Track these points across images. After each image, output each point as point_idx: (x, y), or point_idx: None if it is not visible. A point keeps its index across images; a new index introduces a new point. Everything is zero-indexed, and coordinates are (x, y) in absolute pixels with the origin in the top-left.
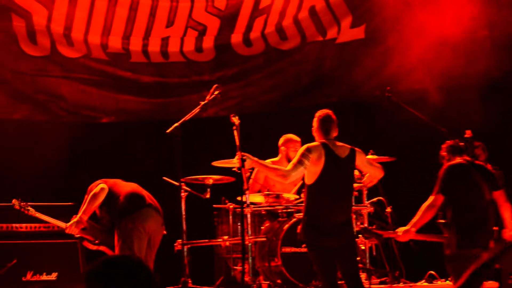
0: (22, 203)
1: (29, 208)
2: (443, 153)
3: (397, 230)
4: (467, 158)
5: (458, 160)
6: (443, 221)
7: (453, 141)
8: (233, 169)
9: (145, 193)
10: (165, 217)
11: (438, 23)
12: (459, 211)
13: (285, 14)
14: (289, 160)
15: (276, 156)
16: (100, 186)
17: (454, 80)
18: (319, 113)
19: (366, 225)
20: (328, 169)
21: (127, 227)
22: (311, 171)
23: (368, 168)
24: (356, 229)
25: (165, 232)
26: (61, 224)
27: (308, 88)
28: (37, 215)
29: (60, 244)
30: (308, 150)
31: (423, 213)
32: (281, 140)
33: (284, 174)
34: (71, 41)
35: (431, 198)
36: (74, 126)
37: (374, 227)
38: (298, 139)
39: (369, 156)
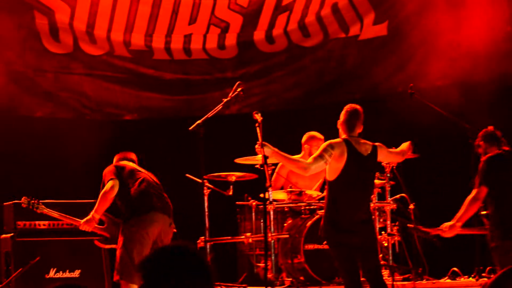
0: (32, 201)
1: (39, 205)
2: (479, 142)
3: (442, 226)
4: (505, 148)
5: (496, 150)
6: (485, 212)
7: (489, 130)
8: (256, 166)
9: (153, 189)
10: (187, 214)
11: (460, 20)
12: (502, 202)
13: (307, 11)
14: None
15: (299, 153)
16: (110, 184)
17: (476, 77)
18: (348, 107)
19: (413, 224)
20: (350, 166)
21: (131, 229)
22: (332, 167)
23: (390, 157)
24: (379, 226)
25: (175, 230)
26: (75, 221)
27: (330, 85)
28: (47, 212)
29: (83, 241)
30: (331, 146)
31: (467, 207)
32: (304, 138)
33: (305, 167)
34: (93, 38)
35: (474, 192)
36: (97, 124)
37: (419, 226)
38: (321, 136)
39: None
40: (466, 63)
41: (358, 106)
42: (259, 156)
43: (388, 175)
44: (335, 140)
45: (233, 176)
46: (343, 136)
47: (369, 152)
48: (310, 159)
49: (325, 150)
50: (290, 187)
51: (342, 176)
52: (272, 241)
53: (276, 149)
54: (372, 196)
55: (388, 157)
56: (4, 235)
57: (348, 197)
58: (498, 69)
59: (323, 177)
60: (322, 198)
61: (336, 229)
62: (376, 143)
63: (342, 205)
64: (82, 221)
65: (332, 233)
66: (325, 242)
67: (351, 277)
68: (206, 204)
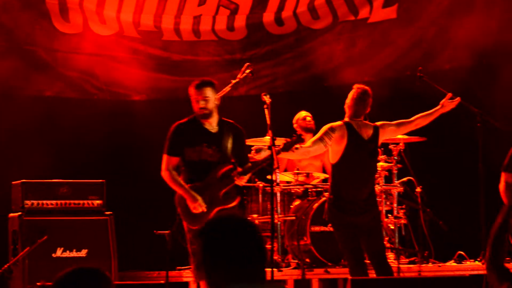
0: None
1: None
2: None
3: None
4: None
5: None
6: None
7: None
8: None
9: None
10: None
11: (468, 4)
12: None
13: None
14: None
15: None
16: None
17: (486, 60)
18: (356, 87)
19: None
20: (351, 148)
21: None
22: (334, 150)
23: (401, 130)
24: (386, 208)
25: None
26: None
27: (339, 68)
28: None
29: (90, 221)
30: (331, 129)
31: (508, 196)
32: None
33: (304, 152)
34: (103, 18)
35: (505, 176)
36: (106, 103)
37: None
38: (301, 115)
39: (400, 136)
40: (476, 46)
41: (367, 87)
42: (267, 138)
43: (396, 158)
44: (336, 123)
45: None
46: (346, 118)
47: (370, 135)
48: (309, 142)
49: (325, 133)
50: (297, 169)
51: (343, 159)
52: (279, 223)
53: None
54: (376, 179)
55: (396, 131)
56: (12, 214)
57: (350, 179)
58: (506, 51)
59: (326, 157)
60: (327, 180)
61: (340, 211)
62: (378, 123)
63: (345, 188)
64: None
65: (336, 215)
66: (329, 224)
67: (356, 259)
68: None
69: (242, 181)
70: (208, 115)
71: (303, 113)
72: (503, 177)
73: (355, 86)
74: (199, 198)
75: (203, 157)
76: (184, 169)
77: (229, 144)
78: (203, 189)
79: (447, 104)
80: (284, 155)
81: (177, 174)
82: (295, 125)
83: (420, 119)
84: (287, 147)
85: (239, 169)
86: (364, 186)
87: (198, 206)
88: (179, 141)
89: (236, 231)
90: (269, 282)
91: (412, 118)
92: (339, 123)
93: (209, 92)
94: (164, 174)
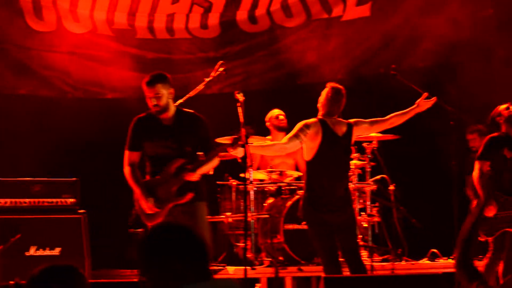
0: None
1: None
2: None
3: None
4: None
5: None
6: None
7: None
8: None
9: None
10: None
11: (441, 2)
12: None
13: None
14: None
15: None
16: None
17: (459, 58)
18: (330, 86)
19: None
20: (325, 146)
21: None
22: (308, 147)
23: (374, 128)
24: (359, 206)
25: None
26: None
27: (313, 66)
28: None
29: (63, 219)
30: (306, 125)
31: (481, 184)
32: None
33: (280, 148)
34: (77, 16)
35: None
36: (80, 102)
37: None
38: (275, 113)
39: (373, 134)
40: (448, 44)
41: (340, 86)
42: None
43: (369, 156)
44: (310, 120)
45: None
46: (320, 116)
47: (344, 132)
48: (285, 139)
49: (300, 130)
50: (271, 167)
51: (318, 156)
52: (252, 221)
53: (247, 149)
54: (350, 177)
55: (370, 129)
56: None
57: (325, 176)
58: (479, 50)
59: (298, 155)
60: (300, 178)
61: (314, 209)
62: (352, 120)
63: (320, 185)
64: None
65: (311, 213)
66: (304, 222)
67: (330, 257)
68: None
69: (193, 177)
70: (161, 111)
71: (276, 111)
72: (477, 165)
73: (329, 84)
74: (151, 199)
75: (161, 151)
76: (147, 164)
77: (188, 136)
78: (159, 184)
79: (423, 103)
80: (261, 151)
81: (137, 171)
82: (267, 123)
83: (395, 118)
84: (235, 142)
85: (190, 166)
86: (339, 183)
87: (149, 208)
88: (138, 136)
89: (174, 235)
90: (221, 281)
91: (387, 117)
92: (313, 120)
93: (160, 88)
94: (125, 170)
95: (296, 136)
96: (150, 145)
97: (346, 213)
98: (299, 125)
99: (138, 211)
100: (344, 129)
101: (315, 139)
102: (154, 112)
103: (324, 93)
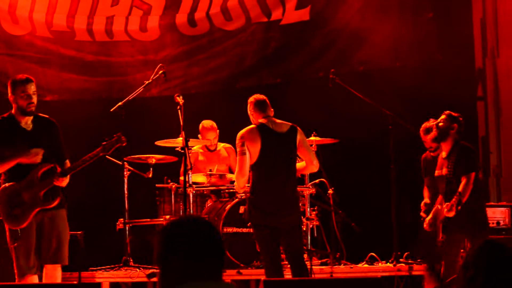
0: None
1: None
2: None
3: None
4: None
5: None
6: None
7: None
8: (176, 148)
9: None
10: (107, 196)
11: (381, 7)
12: None
13: None
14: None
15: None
16: None
17: (398, 62)
18: (251, 98)
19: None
20: (267, 147)
21: None
22: (252, 152)
23: (305, 151)
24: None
25: None
26: None
27: (253, 69)
28: None
29: None
30: (242, 137)
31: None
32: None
33: (238, 176)
34: (16, 18)
35: None
36: None
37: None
38: (208, 125)
39: (312, 138)
40: (387, 48)
41: (260, 94)
42: (180, 139)
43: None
44: (245, 128)
45: (153, 158)
46: (255, 120)
47: (285, 131)
48: (237, 165)
49: (241, 144)
50: (210, 170)
51: (261, 158)
52: None
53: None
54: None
55: (304, 151)
56: None
57: (270, 178)
58: (419, 54)
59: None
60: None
61: (260, 211)
62: (297, 126)
63: (265, 187)
64: None
65: (256, 215)
66: (249, 224)
67: (272, 260)
68: (125, 186)
69: (62, 183)
70: (33, 112)
71: (207, 123)
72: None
73: (250, 98)
74: (30, 150)
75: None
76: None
77: (46, 141)
78: (23, 189)
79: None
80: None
81: None
82: (200, 134)
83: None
84: (106, 149)
85: (59, 170)
86: (285, 183)
87: (35, 153)
88: None
89: (194, 231)
90: (225, 284)
91: (304, 161)
92: (249, 127)
93: (34, 87)
94: None
95: (242, 153)
96: (8, 150)
97: (292, 215)
98: (237, 140)
99: (1, 216)
100: (285, 128)
101: (255, 144)
102: (26, 112)
103: (248, 106)
